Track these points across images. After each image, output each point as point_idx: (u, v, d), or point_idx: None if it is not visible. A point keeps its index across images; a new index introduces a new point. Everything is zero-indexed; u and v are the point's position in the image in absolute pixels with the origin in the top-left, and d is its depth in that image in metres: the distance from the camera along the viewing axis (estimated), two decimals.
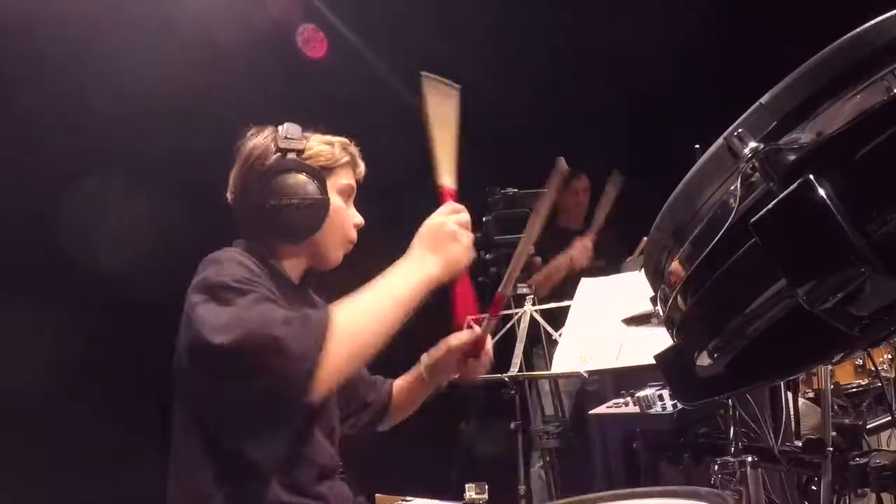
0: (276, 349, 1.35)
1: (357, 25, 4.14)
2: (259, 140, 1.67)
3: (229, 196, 1.70)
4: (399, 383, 1.92)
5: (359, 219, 1.75)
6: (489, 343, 1.81)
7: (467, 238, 1.58)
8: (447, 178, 1.68)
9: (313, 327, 1.40)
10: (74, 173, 3.38)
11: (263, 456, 1.46)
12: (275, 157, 1.64)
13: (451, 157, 1.71)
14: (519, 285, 3.07)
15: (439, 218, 1.59)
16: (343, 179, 1.71)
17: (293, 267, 1.70)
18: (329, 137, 1.72)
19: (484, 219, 3.08)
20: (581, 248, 3.77)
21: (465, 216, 1.61)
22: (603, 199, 3.76)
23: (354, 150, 1.75)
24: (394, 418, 1.93)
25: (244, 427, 1.46)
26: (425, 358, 1.85)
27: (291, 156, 1.64)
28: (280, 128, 1.67)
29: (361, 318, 1.47)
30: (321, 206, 1.63)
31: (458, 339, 1.79)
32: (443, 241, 1.56)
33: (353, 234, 1.74)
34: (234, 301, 1.43)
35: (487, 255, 3.13)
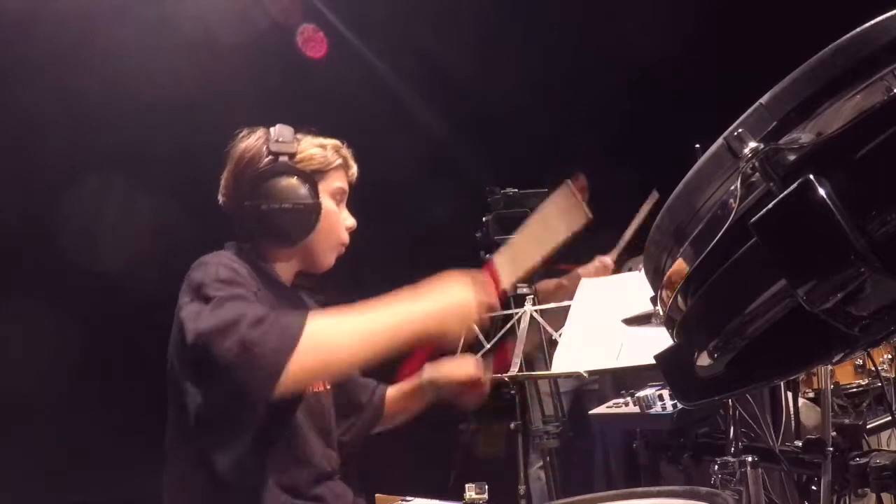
0: (241, 349, 1.34)
1: (357, 25, 4.14)
2: (250, 142, 1.66)
3: (220, 198, 1.70)
4: (394, 392, 1.91)
5: (351, 221, 1.75)
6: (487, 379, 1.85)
7: (479, 308, 1.55)
8: (509, 279, 1.70)
9: (284, 330, 1.38)
10: (74, 173, 3.38)
11: (222, 459, 1.47)
12: (266, 160, 1.64)
13: (531, 265, 1.71)
14: (519, 285, 3.07)
15: (470, 293, 1.55)
16: (335, 182, 1.71)
17: (285, 269, 1.70)
18: (321, 140, 1.72)
19: (484, 219, 3.08)
20: (600, 268, 3.60)
21: (494, 302, 1.60)
22: (635, 218, 3.65)
23: (347, 152, 1.74)
24: (385, 424, 1.93)
25: (209, 428, 1.47)
26: (429, 373, 1.85)
27: (283, 159, 1.63)
28: (272, 130, 1.67)
29: (340, 332, 1.46)
30: (312, 210, 1.63)
31: (466, 372, 1.81)
32: (457, 316, 1.53)
33: (345, 237, 1.74)
34: (212, 298, 1.43)
35: (487, 255, 3.12)
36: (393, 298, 1.50)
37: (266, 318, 1.39)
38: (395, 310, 1.49)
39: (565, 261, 3.67)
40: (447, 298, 1.53)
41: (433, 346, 1.60)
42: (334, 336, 1.45)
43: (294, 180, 1.62)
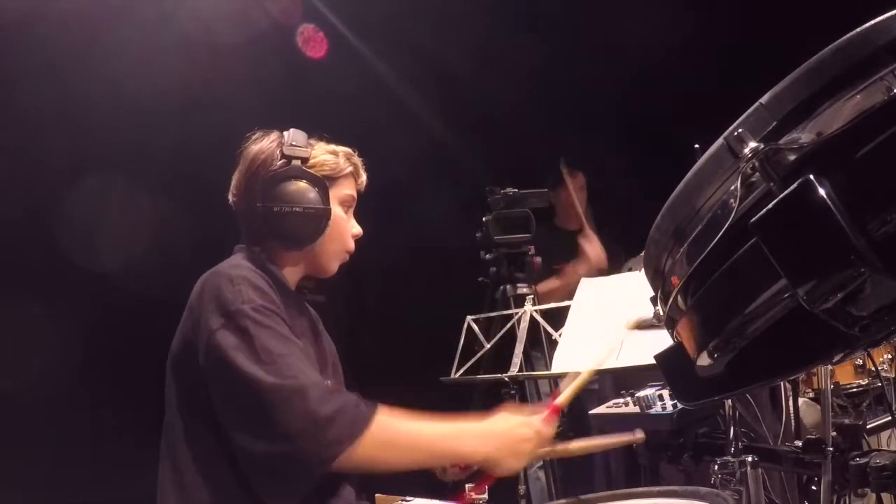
0: (308, 423, 1.38)
1: (357, 25, 4.14)
2: (264, 145, 1.67)
3: (231, 198, 1.71)
4: None
5: (357, 229, 1.76)
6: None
7: (538, 445, 1.60)
8: (565, 398, 1.71)
9: (354, 418, 1.42)
10: (74, 173, 3.38)
11: (228, 463, 1.48)
12: (279, 163, 1.64)
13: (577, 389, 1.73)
14: (519, 285, 3.07)
15: (530, 429, 1.59)
16: (345, 190, 1.72)
17: (291, 273, 1.71)
18: (333, 147, 1.73)
19: (484, 219, 3.08)
20: (595, 250, 3.64)
21: (549, 437, 1.64)
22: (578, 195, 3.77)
23: (357, 160, 1.76)
24: None
25: (257, 471, 1.47)
26: None
27: (296, 163, 1.64)
28: (285, 134, 1.68)
29: (400, 436, 1.50)
30: (323, 215, 1.64)
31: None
32: (512, 448, 1.56)
33: (352, 245, 1.75)
34: (250, 333, 1.45)
35: (487, 255, 3.12)
36: (455, 420, 1.56)
37: (334, 396, 1.42)
38: (454, 430, 1.55)
39: (551, 253, 3.67)
40: (506, 432, 1.57)
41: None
42: (395, 438, 1.49)
43: (306, 184, 1.63)
